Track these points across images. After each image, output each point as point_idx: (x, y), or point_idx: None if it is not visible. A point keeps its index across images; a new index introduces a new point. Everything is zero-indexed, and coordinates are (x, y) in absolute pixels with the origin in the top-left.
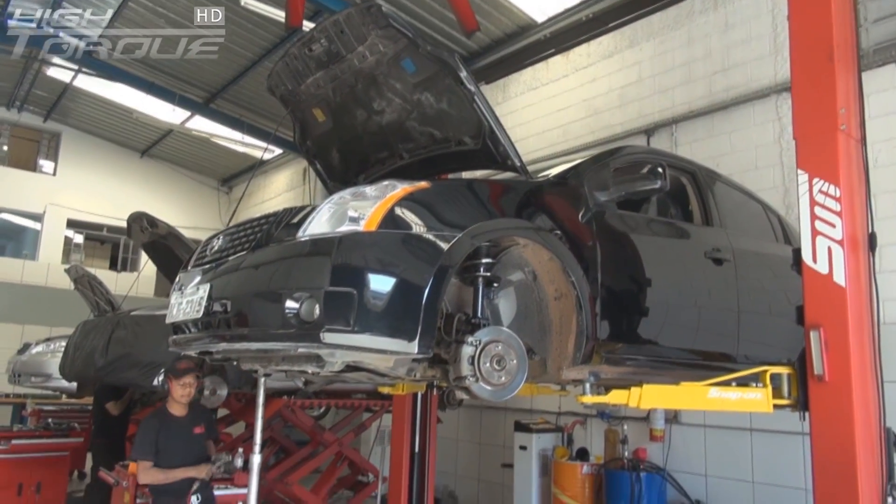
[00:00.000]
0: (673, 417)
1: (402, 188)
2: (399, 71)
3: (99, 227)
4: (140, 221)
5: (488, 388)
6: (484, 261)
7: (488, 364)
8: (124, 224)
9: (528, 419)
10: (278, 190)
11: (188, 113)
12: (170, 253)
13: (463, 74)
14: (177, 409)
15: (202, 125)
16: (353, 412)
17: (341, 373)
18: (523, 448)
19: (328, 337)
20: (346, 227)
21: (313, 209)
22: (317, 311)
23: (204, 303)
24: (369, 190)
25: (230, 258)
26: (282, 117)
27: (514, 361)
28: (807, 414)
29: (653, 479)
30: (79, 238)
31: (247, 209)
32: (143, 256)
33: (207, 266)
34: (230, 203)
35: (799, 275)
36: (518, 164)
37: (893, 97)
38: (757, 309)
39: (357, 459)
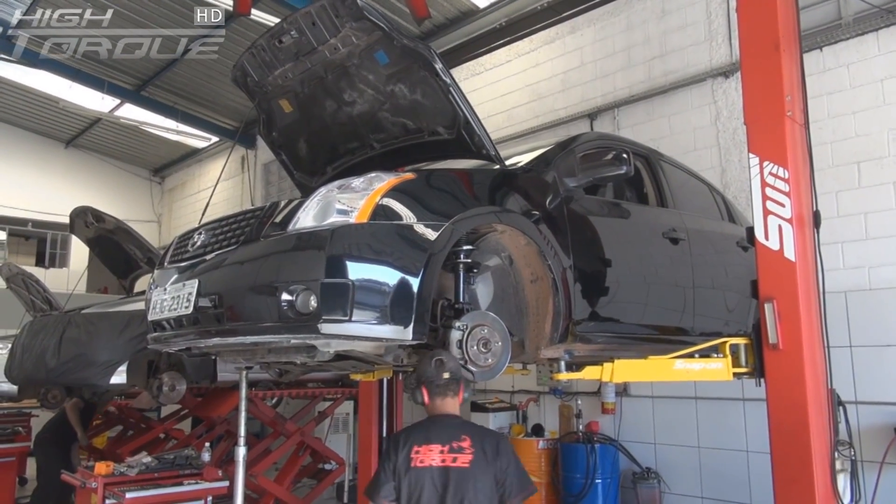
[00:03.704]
0: (623, 390)
1: (388, 180)
2: (371, 62)
3: (23, 221)
4: (85, 216)
5: (475, 370)
6: (464, 248)
7: (475, 347)
8: (50, 218)
9: (483, 399)
10: (215, 179)
11: (118, 101)
12: (117, 248)
13: (438, 66)
14: None
15: (133, 113)
16: (311, 401)
17: (329, 362)
18: None
19: (325, 327)
20: (335, 220)
21: (300, 203)
22: (313, 302)
23: (193, 298)
24: (356, 182)
25: (216, 253)
26: (221, 106)
27: (500, 343)
28: (762, 380)
29: (606, 450)
30: (1, 234)
31: (182, 199)
32: (75, 252)
33: (189, 262)
34: (163, 193)
35: (745, 252)
36: (493, 153)
37: (816, 82)
38: (708, 284)
39: (319, 448)
